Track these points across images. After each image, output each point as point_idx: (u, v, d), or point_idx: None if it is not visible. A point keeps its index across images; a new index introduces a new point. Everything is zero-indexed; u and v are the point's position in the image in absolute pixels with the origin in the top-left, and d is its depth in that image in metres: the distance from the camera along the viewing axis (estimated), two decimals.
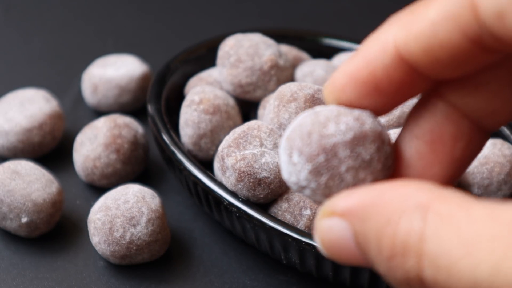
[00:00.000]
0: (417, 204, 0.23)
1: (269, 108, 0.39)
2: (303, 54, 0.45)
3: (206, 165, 0.39)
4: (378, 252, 0.24)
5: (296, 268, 0.36)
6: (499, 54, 0.25)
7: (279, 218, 0.36)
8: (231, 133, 0.37)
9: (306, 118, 0.25)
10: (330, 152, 0.24)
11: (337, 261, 0.25)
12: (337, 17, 0.58)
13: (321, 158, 0.24)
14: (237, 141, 0.37)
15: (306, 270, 0.36)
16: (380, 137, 0.25)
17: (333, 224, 0.25)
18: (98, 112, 0.46)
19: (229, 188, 0.37)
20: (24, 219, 0.37)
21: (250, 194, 0.36)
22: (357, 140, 0.25)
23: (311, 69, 0.42)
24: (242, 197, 0.36)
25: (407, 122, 0.27)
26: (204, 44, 0.45)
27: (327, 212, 0.25)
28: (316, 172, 0.24)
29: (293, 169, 0.25)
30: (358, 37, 0.47)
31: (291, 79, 0.42)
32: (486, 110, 0.26)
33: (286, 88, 0.39)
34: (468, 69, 0.26)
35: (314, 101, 0.38)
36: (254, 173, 0.36)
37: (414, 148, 0.27)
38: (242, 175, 0.36)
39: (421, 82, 0.26)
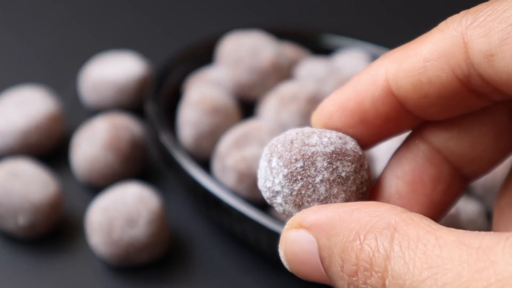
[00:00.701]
0: (386, 225, 0.23)
1: (269, 107, 0.39)
2: (303, 52, 0.44)
3: (206, 165, 0.39)
4: (341, 268, 0.24)
5: None
6: (486, 100, 0.26)
7: (279, 219, 0.36)
8: (231, 133, 0.37)
9: (291, 131, 0.26)
10: (308, 160, 0.25)
11: (298, 275, 0.25)
12: (337, 14, 0.58)
13: (299, 164, 0.25)
14: (237, 141, 0.36)
15: None
16: (359, 160, 0.26)
17: (299, 237, 0.25)
18: (96, 112, 0.46)
19: (228, 189, 0.36)
20: (21, 220, 0.37)
21: (249, 195, 0.36)
22: (337, 155, 0.25)
23: (311, 68, 0.42)
24: (241, 198, 0.36)
25: (390, 161, 0.27)
26: (203, 42, 0.45)
27: (295, 224, 0.25)
28: (291, 177, 0.25)
29: (270, 174, 0.25)
30: (358, 34, 0.47)
31: (291, 78, 0.42)
32: (466, 156, 0.27)
33: (286, 88, 0.39)
34: (454, 111, 0.26)
35: (314, 100, 0.38)
36: (254, 174, 0.36)
37: (394, 187, 0.27)
38: (242, 176, 0.36)
39: (407, 120, 0.27)
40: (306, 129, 0.26)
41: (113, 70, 0.46)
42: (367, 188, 0.26)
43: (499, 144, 0.27)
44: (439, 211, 0.28)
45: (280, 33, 0.45)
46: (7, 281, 0.37)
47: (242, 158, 0.36)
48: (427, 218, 0.23)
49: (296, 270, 0.25)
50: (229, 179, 0.36)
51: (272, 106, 0.39)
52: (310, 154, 0.25)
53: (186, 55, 0.44)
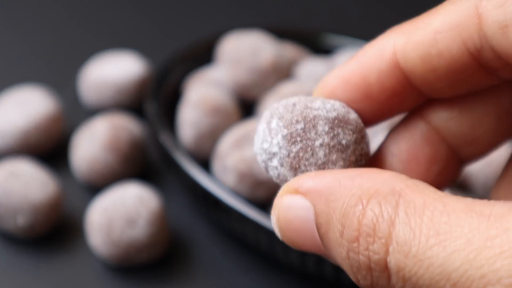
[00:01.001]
0: (391, 190, 0.22)
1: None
2: (303, 51, 0.44)
3: (206, 166, 0.39)
4: (340, 234, 0.23)
5: (296, 269, 0.36)
6: (495, 78, 0.26)
7: None
8: (231, 133, 0.37)
9: (294, 97, 0.25)
10: (310, 123, 0.24)
11: (290, 243, 0.24)
12: (337, 14, 0.58)
13: (300, 125, 0.24)
14: (237, 141, 0.36)
15: (306, 271, 0.36)
16: (361, 132, 0.25)
17: (295, 203, 0.24)
18: (96, 111, 0.46)
19: (228, 189, 0.36)
20: (21, 221, 0.37)
21: (250, 195, 0.36)
22: (339, 121, 0.24)
23: (311, 67, 0.42)
24: (241, 198, 0.36)
25: (386, 138, 0.27)
26: (203, 41, 0.45)
27: (290, 189, 0.24)
28: (290, 138, 0.24)
29: (268, 135, 0.24)
30: (358, 33, 0.46)
31: (291, 77, 0.42)
32: (466, 137, 0.27)
33: (286, 87, 0.39)
34: (461, 88, 0.26)
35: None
36: (254, 174, 0.36)
37: (388, 165, 0.27)
38: (242, 176, 0.36)
39: (412, 97, 0.26)
40: (309, 97, 0.25)
41: (113, 70, 0.46)
42: (365, 162, 0.25)
43: (500, 126, 0.27)
44: None
45: (280, 33, 0.45)
46: (7, 281, 0.37)
47: (242, 158, 0.36)
48: (433, 186, 0.23)
49: (288, 238, 0.24)
50: (229, 179, 0.36)
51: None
52: (312, 116, 0.24)
53: (186, 55, 0.44)
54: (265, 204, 0.37)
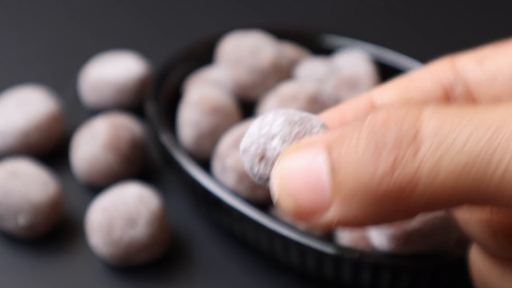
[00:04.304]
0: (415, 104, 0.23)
1: (269, 107, 0.39)
2: (303, 52, 0.44)
3: (206, 166, 0.39)
4: (360, 130, 0.23)
5: (297, 269, 0.36)
6: None
7: (280, 219, 0.36)
8: (231, 133, 0.37)
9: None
10: (305, 118, 0.25)
11: (289, 199, 0.24)
12: (338, 14, 0.58)
13: (297, 117, 0.25)
14: (237, 141, 0.36)
15: (306, 272, 0.36)
16: None
17: (300, 156, 0.23)
18: (96, 112, 0.46)
19: (229, 189, 0.36)
20: (21, 221, 0.37)
21: (250, 195, 0.36)
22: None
23: (311, 68, 0.42)
24: (242, 198, 0.36)
25: None
26: (203, 42, 0.45)
27: (295, 147, 0.24)
28: (290, 122, 0.24)
29: (265, 124, 0.25)
30: (358, 34, 0.46)
31: (291, 78, 0.42)
32: None
33: (286, 88, 0.39)
34: None
35: (314, 100, 0.38)
36: None
37: None
38: (242, 175, 0.36)
39: None
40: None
41: (113, 70, 0.46)
42: None
43: None
44: None
45: (280, 33, 0.45)
46: (7, 281, 0.37)
47: None
48: None
49: (288, 190, 0.24)
50: (229, 179, 0.36)
51: (272, 106, 0.39)
52: (305, 115, 0.25)
53: (186, 55, 0.44)
54: (265, 204, 0.37)
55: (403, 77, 0.28)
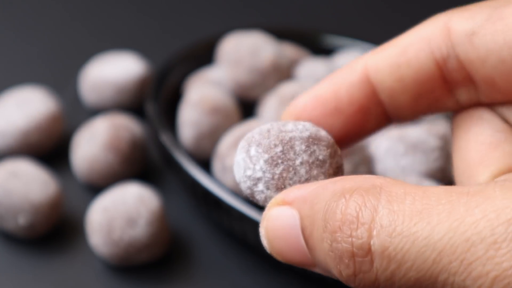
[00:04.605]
0: (372, 185, 0.23)
1: (269, 107, 0.39)
2: (303, 52, 0.44)
3: (206, 165, 0.39)
4: (323, 230, 0.24)
5: (297, 269, 0.36)
6: (453, 101, 0.28)
7: None
8: (231, 133, 0.37)
9: (265, 124, 0.26)
10: (287, 145, 0.25)
11: (278, 255, 0.25)
12: (338, 14, 0.58)
13: (278, 148, 0.25)
14: (237, 141, 0.36)
15: (306, 272, 0.36)
16: (333, 146, 0.26)
17: (281, 212, 0.25)
18: (96, 112, 0.46)
19: (229, 188, 0.36)
20: (21, 220, 0.37)
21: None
22: (313, 139, 0.26)
23: (311, 68, 0.42)
24: (242, 198, 0.36)
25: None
26: (203, 42, 0.45)
27: (278, 201, 0.25)
28: (272, 161, 0.25)
29: (249, 162, 0.26)
30: (358, 34, 0.47)
31: (291, 78, 0.42)
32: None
33: (286, 88, 0.39)
34: (421, 106, 0.28)
35: None
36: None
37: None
38: None
39: (377, 116, 0.28)
40: (279, 121, 0.26)
41: (113, 70, 0.46)
42: (342, 174, 0.26)
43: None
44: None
45: (280, 33, 0.45)
46: (7, 281, 0.37)
47: None
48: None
49: (275, 249, 0.25)
50: (229, 179, 0.36)
51: (272, 106, 0.39)
52: (288, 139, 0.26)
53: (186, 55, 0.44)
54: (265, 204, 0.37)
55: (396, 43, 0.28)
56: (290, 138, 0.26)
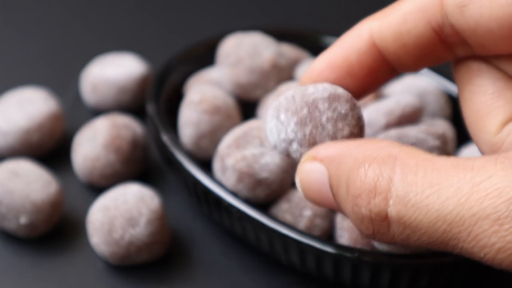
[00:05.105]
0: (388, 155, 0.26)
1: (269, 108, 0.39)
2: (303, 53, 0.44)
3: (206, 165, 0.39)
4: (347, 192, 0.27)
5: (297, 269, 0.36)
6: (451, 55, 0.31)
7: (280, 219, 0.36)
8: (231, 133, 0.37)
9: (288, 91, 0.30)
10: (312, 106, 0.29)
11: (312, 202, 0.29)
12: (338, 15, 0.58)
13: (305, 110, 0.29)
14: (237, 141, 0.36)
15: (306, 271, 0.36)
16: (351, 100, 0.30)
17: (313, 168, 0.29)
18: (97, 112, 0.46)
19: (229, 188, 0.36)
20: (22, 220, 0.37)
21: (250, 195, 0.36)
22: (333, 98, 0.29)
23: None
24: (242, 198, 0.36)
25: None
26: (204, 42, 0.45)
27: (310, 157, 0.29)
28: (301, 123, 0.29)
29: (281, 127, 0.29)
30: None
31: (291, 78, 0.42)
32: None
33: (286, 88, 0.39)
34: (425, 62, 0.31)
35: None
36: (254, 174, 0.36)
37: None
38: (242, 175, 0.36)
39: (386, 73, 0.32)
40: (300, 87, 0.30)
41: (114, 71, 0.46)
42: (363, 123, 0.30)
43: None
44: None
45: (280, 34, 0.45)
46: (8, 280, 0.37)
47: (242, 157, 0.36)
48: (423, 150, 0.27)
49: (310, 197, 0.29)
50: (229, 179, 0.36)
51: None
52: (311, 100, 0.29)
53: (186, 56, 0.44)
54: (265, 204, 0.37)
55: (395, 10, 0.31)
56: (313, 100, 0.29)
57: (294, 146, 0.29)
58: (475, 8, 0.29)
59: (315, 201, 0.29)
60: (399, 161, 0.26)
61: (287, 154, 0.30)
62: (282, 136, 0.29)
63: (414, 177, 0.26)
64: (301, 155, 0.29)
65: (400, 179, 0.26)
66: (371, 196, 0.26)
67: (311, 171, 0.29)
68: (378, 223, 0.26)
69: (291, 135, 0.29)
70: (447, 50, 0.31)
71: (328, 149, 0.28)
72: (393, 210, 0.26)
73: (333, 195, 0.28)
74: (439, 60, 0.31)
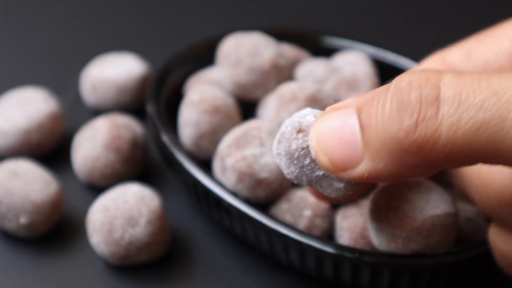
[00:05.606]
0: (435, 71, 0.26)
1: (269, 108, 0.39)
2: (303, 53, 0.44)
3: (206, 165, 0.39)
4: (388, 93, 0.26)
5: (297, 269, 0.36)
6: None
7: (280, 219, 0.36)
8: (231, 133, 0.37)
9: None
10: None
11: (326, 155, 0.27)
12: (338, 16, 0.58)
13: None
14: (237, 141, 0.36)
15: (306, 271, 0.36)
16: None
17: (336, 114, 0.27)
18: (97, 112, 0.46)
19: (229, 188, 0.36)
20: (22, 220, 0.37)
21: (250, 195, 0.36)
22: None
23: (311, 68, 0.42)
24: (242, 198, 0.36)
25: None
26: (204, 42, 0.45)
27: (333, 108, 0.28)
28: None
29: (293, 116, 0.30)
30: (358, 36, 0.47)
31: (291, 78, 0.42)
32: None
33: (286, 88, 0.39)
34: None
35: (314, 101, 0.38)
36: (254, 174, 0.36)
37: None
38: (242, 175, 0.36)
39: None
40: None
41: (114, 71, 0.46)
42: None
43: None
44: None
45: (280, 34, 0.45)
46: (8, 280, 0.37)
47: (242, 157, 0.36)
48: None
49: (326, 148, 0.27)
50: (229, 179, 0.36)
51: (272, 106, 0.39)
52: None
53: (186, 56, 0.44)
54: (265, 204, 0.37)
55: None
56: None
57: (308, 117, 0.29)
58: (483, 49, 0.30)
59: (331, 151, 0.27)
60: (447, 72, 0.26)
61: (297, 129, 0.29)
62: (296, 115, 0.29)
63: (464, 74, 0.25)
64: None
65: (450, 73, 0.25)
66: (422, 83, 0.25)
67: (330, 121, 0.27)
68: (426, 105, 0.25)
69: (306, 111, 0.29)
70: None
71: (355, 98, 0.28)
72: (447, 87, 0.25)
73: (362, 125, 0.27)
74: None
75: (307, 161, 0.29)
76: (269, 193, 0.36)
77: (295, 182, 0.30)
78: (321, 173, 0.29)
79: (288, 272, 0.38)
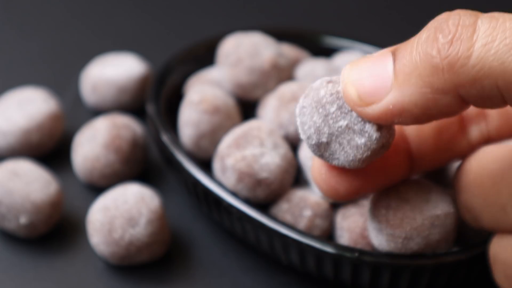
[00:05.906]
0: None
1: (269, 108, 0.39)
2: (303, 53, 0.44)
3: (206, 165, 0.39)
4: (425, 28, 0.26)
5: (297, 269, 0.36)
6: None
7: (280, 219, 0.36)
8: (231, 133, 0.37)
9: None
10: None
11: (354, 87, 0.28)
12: (337, 16, 0.58)
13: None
14: (237, 141, 0.36)
15: (306, 271, 0.36)
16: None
17: (373, 55, 0.28)
18: (97, 112, 0.46)
19: (229, 188, 0.36)
20: (22, 220, 0.37)
21: (250, 195, 0.36)
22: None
23: (311, 68, 0.42)
24: (242, 198, 0.36)
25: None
26: (204, 43, 0.45)
27: (368, 56, 0.28)
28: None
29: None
30: (358, 35, 0.47)
31: (291, 78, 0.42)
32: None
33: (286, 88, 0.39)
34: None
35: None
36: (254, 174, 0.36)
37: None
38: (242, 175, 0.36)
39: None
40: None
41: (114, 71, 0.46)
42: None
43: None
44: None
45: (280, 34, 0.45)
46: (8, 280, 0.37)
47: (242, 157, 0.36)
48: None
49: (355, 80, 0.28)
50: (229, 179, 0.36)
51: (272, 107, 0.39)
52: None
53: (186, 56, 0.44)
54: (265, 204, 0.37)
55: None
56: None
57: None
58: None
59: (361, 83, 0.28)
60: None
61: (327, 80, 0.29)
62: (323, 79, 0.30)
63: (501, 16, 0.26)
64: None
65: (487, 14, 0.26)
66: (461, 12, 0.26)
67: (364, 61, 0.28)
68: (464, 27, 0.26)
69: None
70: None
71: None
72: (484, 19, 0.25)
73: (397, 58, 0.27)
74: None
75: (333, 109, 0.29)
76: (269, 193, 0.36)
77: (312, 143, 0.29)
78: (345, 123, 0.28)
79: (288, 272, 0.38)
